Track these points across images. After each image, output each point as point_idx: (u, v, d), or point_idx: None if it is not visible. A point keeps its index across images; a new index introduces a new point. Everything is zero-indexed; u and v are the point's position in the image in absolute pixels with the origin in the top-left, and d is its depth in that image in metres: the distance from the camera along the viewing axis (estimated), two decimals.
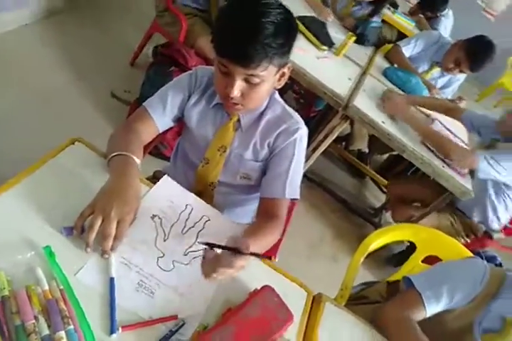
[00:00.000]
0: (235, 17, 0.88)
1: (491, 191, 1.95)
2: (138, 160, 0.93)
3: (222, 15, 0.92)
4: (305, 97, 2.93)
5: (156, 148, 2.06)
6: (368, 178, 2.84)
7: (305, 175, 2.37)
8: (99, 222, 0.76)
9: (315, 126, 2.50)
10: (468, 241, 2.08)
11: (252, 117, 1.09)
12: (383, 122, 1.94)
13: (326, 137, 2.08)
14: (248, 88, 0.94)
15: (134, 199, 0.83)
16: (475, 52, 2.33)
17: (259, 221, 1.14)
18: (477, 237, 2.07)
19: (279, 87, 1.04)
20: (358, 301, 1.21)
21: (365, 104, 1.97)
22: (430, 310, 1.00)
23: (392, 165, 2.82)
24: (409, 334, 0.96)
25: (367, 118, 1.92)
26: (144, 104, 1.10)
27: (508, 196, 1.93)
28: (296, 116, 1.12)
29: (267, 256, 1.29)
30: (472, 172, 1.90)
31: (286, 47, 0.91)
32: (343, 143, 2.87)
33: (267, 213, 1.12)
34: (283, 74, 1.00)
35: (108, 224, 0.76)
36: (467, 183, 1.90)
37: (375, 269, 2.13)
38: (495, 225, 2.04)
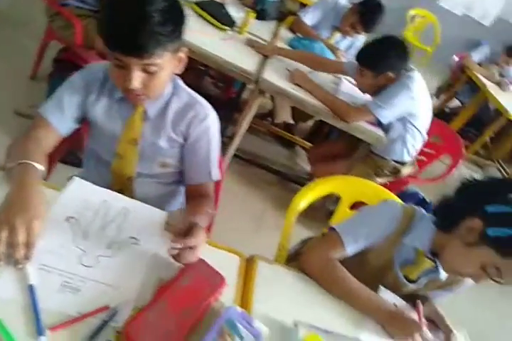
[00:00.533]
0: (120, 8, 0.86)
1: (397, 125, 2.07)
2: (40, 167, 0.90)
3: (106, 8, 0.90)
4: (222, 80, 2.94)
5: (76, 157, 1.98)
6: (298, 147, 2.92)
7: (236, 155, 2.42)
8: (4, 234, 0.74)
9: (236, 105, 2.53)
10: (389, 181, 2.22)
11: (158, 106, 1.09)
12: (294, 89, 1.99)
13: (246, 114, 2.11)
14: (147, 78, 0.93)
15: (38, 206, 0.81)
16: (365, 15, 2.49)
17: (191, 202, 1.19)
18: (397, 177, 2.21)
19: (179, 71, 1.04)
20: (296, 258, 1.27)
21: (274, 76, 2.01)
22: (350, 249, 1.06)
23: (319, 130, 2.91)
24: (333, 272, 1.02)
25: (278, 88, 1.96)
26: (39, 110, 1.06)
27: (412, 124, 2.06)
28: (203, 101, 1.14)
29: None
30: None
31: (177, 33, 0.91)
32: (269, 119, 2.92)
33: (195, 196, 1.18)
34: (180, 59, 1.00)
35: (14, 234, 0.74)
36: (378, 131, 2.02)
37: (317, 229, 2.20)
38: (407, 157, 2.17)
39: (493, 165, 4.27)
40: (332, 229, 1.09)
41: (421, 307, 1.01)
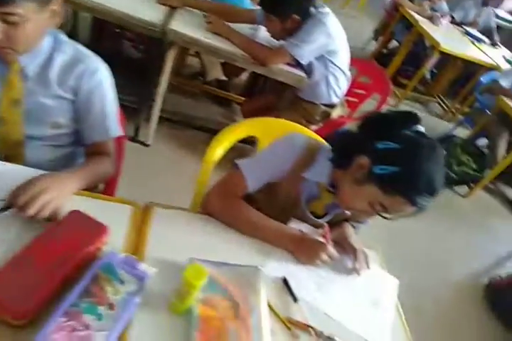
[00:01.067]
0: None
1: (318, 65, 1.99)
2: None
3: None
4: (141, 42, 2.75)
5: None
6: (235, 104, 2.80)
7: (167, 118, 2.30)
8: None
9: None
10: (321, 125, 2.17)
11: (38, 62, 0.98)
12: (207, 38, 1.86)
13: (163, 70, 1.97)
14: (9, 29, 0.84)
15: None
16: None
17: (88, 159, 1.12)
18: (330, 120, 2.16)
19: (55, 26, 0.95)
20: None
21: (184, 25, 1.87)
22: (252, 184, 1.01)
23: (253, 84, 2.80)
24: (235, 209, 0.99)
25: (189, 38, 1.83)
26: None
27: (332, 62, 1.98)
28: (92, 55, 1.04)
29: None
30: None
31: None
32: (201, 78, 2.78)
33: (94, 154, 1.09)
34: (54, 12, 0.90)
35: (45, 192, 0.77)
36: (299, 72, 1.94)
37: None
38: (335, 99, 2.12)
39: (433, 101, 4.32)
40: (236, 165, 1.02)
41: (327, 228, 0.98)
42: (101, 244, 0.72)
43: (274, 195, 1.07)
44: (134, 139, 2.16)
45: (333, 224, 1.09)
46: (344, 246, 1.06)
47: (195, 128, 2.44)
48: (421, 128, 0.92)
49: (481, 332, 2.14)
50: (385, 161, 0.87)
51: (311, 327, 0.83)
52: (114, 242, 0.77)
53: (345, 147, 0.99)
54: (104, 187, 1.26)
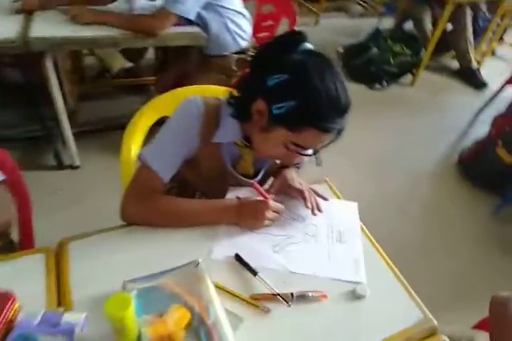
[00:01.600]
0: None
1: (209, 15, 1.83)
2: None
3: None
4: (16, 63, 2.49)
5: None
6: (152, 86, 2.62)
7: (87, 131, 2.10)
8: None
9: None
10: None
11: None
12: (76, 31, 1.67)
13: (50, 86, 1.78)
14: None
15: None
16: None
17: None
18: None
19: None
20: None
21: (47, 28, 1.66)
22: (165, 175, 0.91)
23: (164, 61, 2.60)
24: (157, 208, 0.89)
25: (57, 39, 1.63)
26: None
27: (222, 6, 1.83)
28: None
29: None
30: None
31: None
32: (108, 74, 2.57)
33: None
34: None
35: None
36: (192, 28, 1.80)
37: None
38: (243, 43, 1.97)
39: (352, 3, 4.11)
40: (140, 158, 0.91)
41: (255, 184, 0.91)
42: (12, 313, 0.65)
43: (198, 170, 0.99)
44: (61, 166, 2.00)
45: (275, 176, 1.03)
46: (289, 193, 1.00)
47: (118, 128, 2.25)
48: (308, 46, 0.81)
49: (462, 204, 2.18)
50: (279, 98, 0.78)
51: (278, 295, 0.78)
52: (36, 300, 0.69)
53: (239, 97, 0.89)
54: (20, 239, 1.16)
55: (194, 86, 1.32)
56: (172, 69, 2.14)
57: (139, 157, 0.91)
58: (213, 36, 1.87)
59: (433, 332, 0.80)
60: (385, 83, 3.02)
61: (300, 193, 0.98)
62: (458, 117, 2.84)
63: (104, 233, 0.86)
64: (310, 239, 0.93)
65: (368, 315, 0.80)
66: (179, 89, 1.29)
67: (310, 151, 0.91)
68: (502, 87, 2.66)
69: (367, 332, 0.77)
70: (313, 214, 0.96)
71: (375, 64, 2.96)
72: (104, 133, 2.14)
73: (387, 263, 0.91)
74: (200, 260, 0.78)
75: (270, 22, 2.35)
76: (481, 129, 2.46)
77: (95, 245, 0.83)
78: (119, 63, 2.46)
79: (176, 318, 0.69)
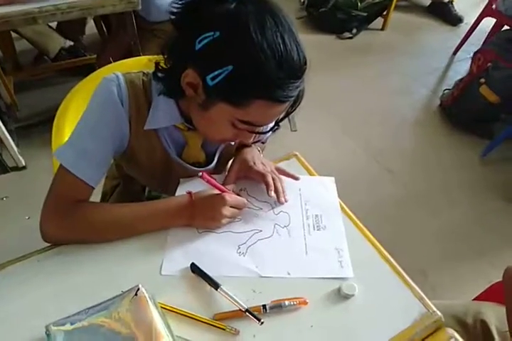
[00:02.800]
0: None
1: None
2: None
3: None
4: None
5: None
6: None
7: (29, 125, 1.86)
8: None
9: None
10: None
11: None
12: None
13: None
14: None
15: None
16: None
17: None
18: None
19: None
20: None
21: None
22: (93, 180, 0.72)
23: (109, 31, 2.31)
24: (86, 221, 0.70)
25: None
26: None
27: None
28: None
29: None
30: None
31: None
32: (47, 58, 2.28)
33: None
34: None
35: None
36: None
37: None
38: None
39: None
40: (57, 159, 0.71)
41: (203, 174, 0.71)
42: None
43: (138, 164, 0.81)
44: (6, 170, 1.75)
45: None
46: (251, 177, 0.83)
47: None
48: None
49: (449, 153, 2.04)
50: (212, 64, 0.58)
51: (247, 311, 0.63)
52: None
53: (167, 68, 0.68)
54: None
55: (135, 58, 1.11)
56: (112, 43, 1.88)
57: (58, 157, 0.71)
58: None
59: (438, 327, 0.65)
60: (354, 30, 2.76)
61: (262, 177, 0.80)
62: (435, 58, 2.62)
63: (26, 260, 0.69)
64: (282, 232, 0.76)
65: (359, 316, 0.65)
66: (119, 63, 1.08)
67: (268, 127, 0.73)
68: (478, 19, 2.43)
69: (359, 339, 0.62)
70: (279, 202, 0.79)
71: (341, 10, 2.68)
72: (49, 125, 1.90)
73: (376, 248, 0.75)
74: (140, 286, 0.61)
75: None
76: (461, 68, 2.26)
77: (12, 276, 0.66)
78: (57, 43, 2.17)
79: None
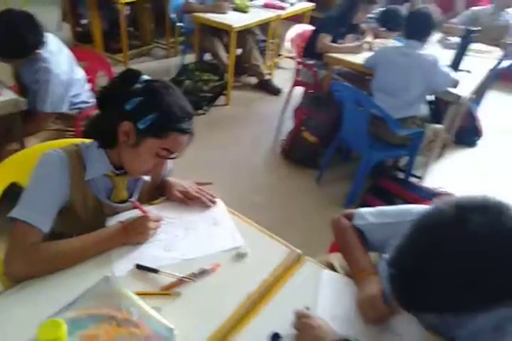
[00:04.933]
0: None
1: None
2: None
3: None
4: None
5: None
6: None
7: None
8: None
9: None
10: None
11: None
12: None
13: None
14: None
15: None
16: None
17: None
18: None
19: None
20: None
21: None
22: (45, 224, 0.96)
23: None
24: (42, 258, 0.93)
25: None
26: None
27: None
28: None
29: None
30: None
31: None
32: None
33: None
34: None
35: None
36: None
37: None
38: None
39: (153, 46, 4.43)
40: (12, 220, 0.94)
41: (135, 202, 1.07)
42: None
43: (75, 215, 1.06)
44: None
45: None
46: (175, 198, 1.17)
47: None
48: (146, 77, 1.00)
49: (291, 181, 2.66)
50: (142, 114, 0.94)
51: (183, 277, 0.93)
52: None
53: (101, 128, 1.00)
54: None
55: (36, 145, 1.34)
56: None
57: (10, 218, 0.94)
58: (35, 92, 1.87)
59: (299, 258, 1.05)
60: (206, 108, 3.38)
61: (186, 195, 1.17)
62: (270, 119, 3.38)
63: None
64: (191, 232, 1.10)
65: (252, 266, 1.01)
66: (20, 153, 1.28)
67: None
68: (291, 89, 3.29)
69: (253, 279, 0.97)
70: (213, 203, 1.18)
71: (191, 94, 3.30)
72: None
73: (251, 225, 1.15)
74: (109, 274, 0.87)
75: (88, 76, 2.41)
76: (289, 123, 3.00)
77: None
78: None
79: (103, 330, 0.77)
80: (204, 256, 1.02)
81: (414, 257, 0.66)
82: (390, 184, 2.35)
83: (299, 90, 3.27)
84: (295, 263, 1.04)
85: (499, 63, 3.10)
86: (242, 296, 0.92)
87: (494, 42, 3.09)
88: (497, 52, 3.00)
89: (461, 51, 2.45)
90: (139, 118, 0.94)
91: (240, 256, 1.03)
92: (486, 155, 3.19)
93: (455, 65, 2.44)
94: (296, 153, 2.74)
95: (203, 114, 3.36)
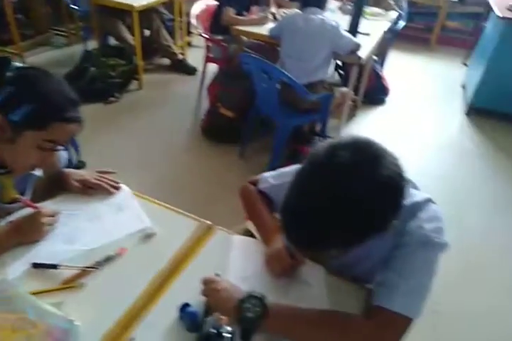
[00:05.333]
0: None
1: None
2: None
3: None
4: None
5: None
6: None
7: None
8: None
9: None
10: None
11: None
12: None
13: None
14: None
15: None
16: None
17: None
18: None
19: None
20: None
21: None
22: None
23: None
24: None
25: None
26: None
27: None
28: None
29: None
30: None
31: None
32: None
33: None
34: None
35: None
36: None
37: None
38: None
39: (51, 35, 4.07)
40: None
41: (22, 199, 0.98)
42: None
43: None
44: None
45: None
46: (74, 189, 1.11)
47: None
48: (18, 64, 0.89)
49: (213, 158, 2.66)
50: (14, 106, 0.84)
51: (85, 268, 0.89)
52: None
53: None
54: None
55: None
56: None
57: None
58: None
59: (210, 229, 1.06)
60: (117, 94, 3.21)
61: (97, 185, 1.11)
62: (188, 99, 3.30)
63: None
64: (95, 221, 1.05)
65: (161, 244, 0.99)
66: None
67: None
68: (204, 66, 3.22)
69: (162, 256, 0.96)
70: (116, 189, 1.13)
71: (98, 81, 3.10)
72: None
73: (160, 205, 1.13)
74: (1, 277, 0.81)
75: None
76: (206, 102, 2.95)
77: None
78: None
79: None
80: (110, 243, 0.98)
81: (294, 198, 0.70)
82: (307, 148, 2.43)
83: (214, 67, 3.21)
84: (205, 234, 1.04)
85: (395, 24, 3.27)
86: (152, 275, 0.91)
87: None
88: (392, 15, 3.15)
89: (357, 14, 2.53)
90: (11, 110, 0.85)
91: (147, 236, 1.01)
92: (395, 111, 3.40)
93: (353, 28, 2.52)
94: (216, 130, 2.72)
95: (116, 101, 3.19)
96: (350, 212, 0.65)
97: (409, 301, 0.78)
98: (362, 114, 3.29)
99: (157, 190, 2.16)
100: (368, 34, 2.63)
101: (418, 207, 0.84)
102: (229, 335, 0.73)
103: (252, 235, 1.18)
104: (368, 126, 3.16)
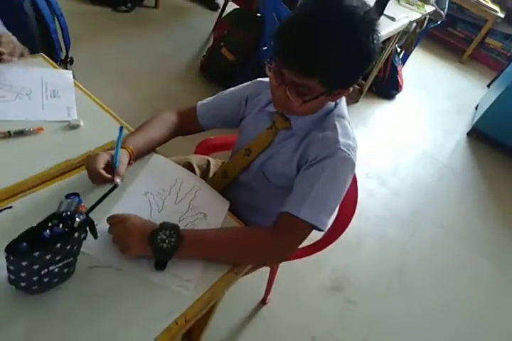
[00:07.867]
0: None
1: None
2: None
3: None
4: None
5: None
6: None
7: None
8: None
9: None
10: None
11: None
12: None
13: None
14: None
15: None
16: None
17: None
18: None
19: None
20: None
21: None
22: None
23: None
24: None
25: None
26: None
27: None
28: None
29: None
30: None
31: None
32: None
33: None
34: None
35: None
36: None
37: None
38: None
39: None
40: None
41: None
42: None
43: None
44: None
45: None
46: None
47: None
48: None
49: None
50: None
51: None
52: None
53: None
54: None
55: None
56: None
57: None
58: None
59: None
60: (129, 4, 3.07)
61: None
62: (198, 33, 3.19)
63: None
64: (23, 97, 1.04)
65: (81, 137, 0.98)
66: None
67: None
68: (225, 3, 3.09)
69: (76, 148, 0.94)
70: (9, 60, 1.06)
71: None
72: None
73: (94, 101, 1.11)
74: None
75: None
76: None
77: None
78: None
79: None
80: (27, 120, 0.97)
81: (303, 15, 0.76)
82: None
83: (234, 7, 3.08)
84: None
85: (430, 21, 3.14)
86: (57, 162, 0.90)
87: None
88: (428, 8, 3.01)
89: None
90: None
91: (70, 126, 0.99)
92: (400, 110, 3.33)
93: (380, 9, 2.41)
94: (213, 68, 2.65)
95: (126, 11, 3.06)
96: (358, 29, 0.73)
97: (316, 210, 0.82)
98: (366, 103, 3.23)
99: (138, 109, 2.12)
100: (393, 18, 2.52)
101: (338, 120, 0.89)
102: (79, 220, 0.65)
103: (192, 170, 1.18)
104: (367, 116, 3.11)
